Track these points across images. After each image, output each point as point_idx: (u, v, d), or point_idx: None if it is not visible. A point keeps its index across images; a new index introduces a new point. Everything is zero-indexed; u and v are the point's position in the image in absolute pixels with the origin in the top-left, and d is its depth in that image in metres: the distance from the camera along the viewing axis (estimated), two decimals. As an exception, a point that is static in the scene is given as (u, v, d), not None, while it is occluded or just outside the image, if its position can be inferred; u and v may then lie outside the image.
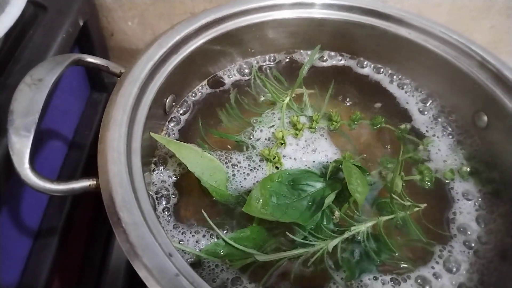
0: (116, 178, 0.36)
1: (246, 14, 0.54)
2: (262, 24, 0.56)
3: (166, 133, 0.52)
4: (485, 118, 0.53)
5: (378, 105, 0.58)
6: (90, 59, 0.47)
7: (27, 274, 0.52)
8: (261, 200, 0.45)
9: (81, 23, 0.65)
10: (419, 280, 0.43)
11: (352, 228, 0.44)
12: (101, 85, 0.74)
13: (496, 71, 0.51)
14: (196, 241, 0.43)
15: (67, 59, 0.44)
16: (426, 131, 0.56)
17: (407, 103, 0.59)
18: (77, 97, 0.72)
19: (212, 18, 0.52)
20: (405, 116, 0.58)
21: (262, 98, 0.58)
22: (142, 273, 0.31)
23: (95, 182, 0.37)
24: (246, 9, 0.53)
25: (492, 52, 0.52)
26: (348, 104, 0.59)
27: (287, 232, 0.44)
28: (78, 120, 0.71)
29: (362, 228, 0.45)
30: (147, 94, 0.45)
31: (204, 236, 0.44)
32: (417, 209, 0.48)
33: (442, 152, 0.54)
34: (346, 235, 0.45)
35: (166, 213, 0.45)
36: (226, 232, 0.45)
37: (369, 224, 0.46)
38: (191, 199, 0.47)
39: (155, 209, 0.44)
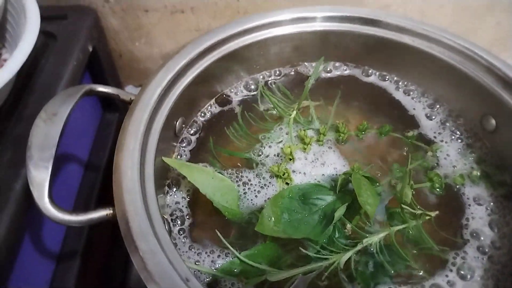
0: (132, 206, 0.38)
1: (248, 33, 0.55)
2: (265, 40, 0.57)
3: (178, 154, 0.54)
4: (493, 121, 0.53)
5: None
6: (101, 88, 0.49)
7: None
8: (273, 218, 0.46)
9: (90, 49, 0.67)
10: (433, 289, 0.43)
11: (364, 240, 0.45)
12: (113, 106, 0.76)
13: (503, 74, 0.51)
14: (212, 261, 0.45)
15: (79, 91, 0.46)
16: (434, 136, 0.56)
17: (414, 109, 0.59)
18: (91, 119, 0.74)
19: (216, 40, 0.53)
20: (413, 122, 0.58)
21: (269, 113, 0.59)
22: (161, 301, 0.33)
23: (111, 211, 0.39)
24: (248, 28, 0.55)
25: (497, 56, 0.52)
26: (355, 114, 0.60)
27: (300, 248, 0.45)
28: (92, 142, 0.73)
29: (374, 239, 0.46)
30: (158, 119, 0.47)
31: (219, 256, 0.45)
32: (428, 217, 0.48)
33: (451, 157, 0.54)
34: (358, 247, 0.45)
35: (181, 234, 0.47)
36: (240, 251, 0.46)
37: (381, 235, 0.46)
38: (205, 219, 0.48)
39: (170, 232, 0.46)
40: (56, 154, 0.57)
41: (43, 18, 0.67)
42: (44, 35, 0.64)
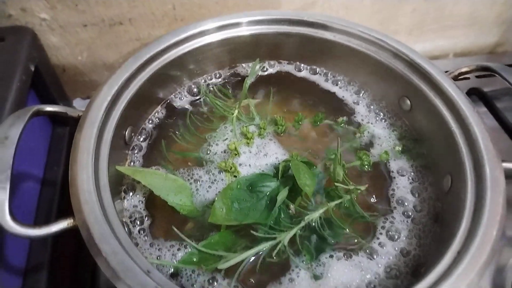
0: (91, 215, 0.41)
1: (183, 42, 0.60)
2: (201, 48, 0.61)
3: (130, 161, 0.57)
4: (408, 102, 0.60)
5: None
6: (49, 108, 0.51)
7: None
8: (224, 209, 0.51)
9: (32, 68, 0.68)
10: (367, 251, 0.50)
11: (306, 217, 0.51)
12: (62, 120, 0.77)
13: (410, 60, 0.58)
14: (173, 254, 0.49)
15: (27, 113, 0.48)
16: (362, 119, 0.63)
17: (343, 97, 0.66)
18: (41, 135, 0.75)
19: (154, 52, 0.57)
20: (343, 108, 0.65)
21: (214, 114, 0.64)
22: (127, 293, 0.37)
23: (72, 221, 0.42)
24: (182, 38, 0.59)
25: (405, 44, 0.60)
26: (292, 107, 0.66)
27: (251, 231, 0.50)
28: (46, 157, 0.74)
29: (315, 215, 0.52)
30: (107, 132, 0.50)
31: (178, 249, 0.50)
32: (360, 190, 0.55)
33: (377, 136, 0.61)
34: (302, 224, 0.51)
35: (142, 234, 0.51)
36: (198, 242, 0.50)
37: (321, 211, 0.53)
38: (163, 217, 0.53)
39: (130, 233, 0.50)
40: (12, 174, 0.59)
41: (-20, 42, 0.68)
42: (-16, 59, 0.64)
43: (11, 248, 0.56)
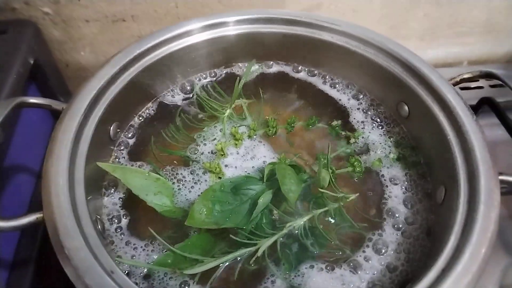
0: (59, 209, 0.40)
1: (176, 39, 0.58)
2: (193, 45, 0.60)
3: (115, 158, 0.56)
4: (406, 107, 0.57)
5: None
6: (33, 100, 0.51)
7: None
8: (205, 211, 0.49)
9: (31, 61, 0.69)
10: (351, 264, 0.47)
11: (288, 224, 0.49)
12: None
13: (410, 64, 0.55)
14: (147, 255, 0.48)
15: (10, 104, 0.48)
16: (358, 125, 0.61)
17: (340, 100, 0.63)
18: (40, 130, 0.76)
19: (145, 47, 0.56)
20: (339, 113, 0.62)
21: (206, 113, 0.62)
22: (84, 292, 0.36)
23: (41, 215, 0.41)
24: (173, 35, 0.58)
25: (405, 47, 0.57)
26: (287, 108, 0.64)
27: (230, 235, 0.48)
28: (43, 152, 0.74)
29: (298, 223, 0.50)
30: (88, 126, 0.50)
31: (153, 250, 0.48)
32: (350, 199, 0.52)
33: (372, 143, 0.58)
34: (284, 231, 0.49)
35: (118, 232, 0.50)
36: (176, 243, 0.49)
37: (305, 218, 0.50)
38: (141, 217, 0.51)
39: (104, 231, 0.48)
40: (5, 164, 0.59)
41: (-17, 34, 0.69)
42: (-17, 50, 0.65)
43: (-1, 241, 0.56)
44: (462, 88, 0.86)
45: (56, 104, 0.51)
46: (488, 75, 0.53)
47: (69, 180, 0.44)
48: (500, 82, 0.55)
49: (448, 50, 0.94)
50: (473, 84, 0.87)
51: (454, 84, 0.54)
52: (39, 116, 0.75)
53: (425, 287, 0.38)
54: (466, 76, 0.54)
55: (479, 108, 0.73)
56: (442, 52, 0.94)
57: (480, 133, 0.47)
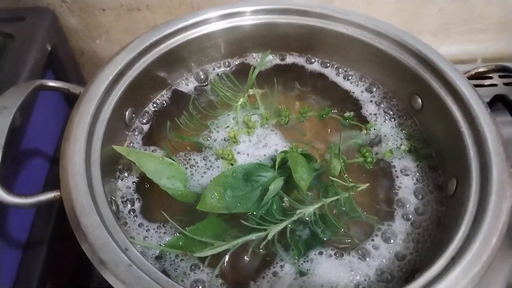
0: (76, 188, 0.41)
1: (191, 28, 0.59)
2: (208, 35, 0.61)
3: (130, 142, 0.57)
4: (419, 100, 0.57)
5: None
6: (52, 83, 0.52)
7: (19, 283, 0.57)
8: (216, 196, 0.50)
9: (49, 48, 0.70)
10: (360, 251, 0.48)
11: (298, 211, 0.49)
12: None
13: (424, 56, 0.55)
14: (159, 237, 0.49)
15: (30, 86, 0.49)
16: (371, 117, 0.61)
17: (353, 92, 0.64)
18: (55, 116, 0.77)
19: (161, 35, 0.57)
20: (352, 105, 0.63)
21: (220, 101, 0.63)
22: (99, 267, 0.37)
23: (58, 194, 0.42)
24: (189, 24, 0.58)
25: (420, 40, 0.57)
26: (300, 99, 0.64)
27: (241, 220, 0.49)
28: (58, 137, 0.76)
29: (308, 210, 0.50)
30: (105, 110, 0.51)
31: (165, 232, 0.49)
32: (360, 189, 0.53)
33: (385, 135, 0.59)
34: (294, 217, 0.50)
35: (132, 214, 0.51)
36: (188, 227, 0.50)
37: (316, 206, 0.51)
38: (155, 200, 0.52)
39: (118, 212, 0.50)
40: (20, 148, 0.61)
41: (2, 20, 0.70)
42: (3, 36, 0.66)
43: (12, 222, 0.57)
44: (475, 85, 0.85)
45: (73, 88, 0.52)
46: (503, 69, 0.53)
47: (85, 160, 0.44)
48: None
49: (462, 47, 0.93)
50: (487, 82, 0.87)
51: (469, 78, 0.53)
52: (54, 103, 0.76)
53: (434, 274, 0.38)
54: (481, 69, 0.54)
55: (492, 105, 0.73)
56: (455, 49, 0.93)
57: (493, 125, 0.47)
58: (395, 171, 0.55)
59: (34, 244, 0.61)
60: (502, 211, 0.41)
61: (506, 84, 0.86)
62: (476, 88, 0.84)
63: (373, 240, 0.49)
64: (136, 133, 0.58)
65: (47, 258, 0.62)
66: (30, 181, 0.63)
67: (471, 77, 0.54)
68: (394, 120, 0.60)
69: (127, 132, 0.58)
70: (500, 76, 0.87)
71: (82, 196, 0.41)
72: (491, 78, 0.87)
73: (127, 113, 0.56)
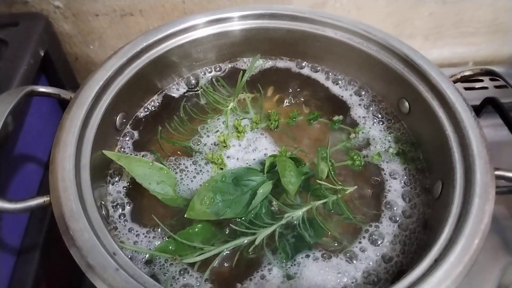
0: (65, 193, 0.42)
1: (181, 33, 0.60)
2: (198, 40, 0.62)
3: (121, 147, 0.58)
4: (407, 104, 0.58)
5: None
6: (42, 89, 0.53)
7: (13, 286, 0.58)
8: (206, 201, 0.50)
9: (42, 53, 0.70)
10: (347, 254, 0.48)
11: (286, 215, 0.50)
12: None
13: (411, 60, 0.56)
14: (149, 241, 0.49)
15: (20, 92, 0.50)
16: (360, 120, 0.61)
17: (342, 96, 0.64)
18: (49, 121, 0.78)
19: (152, 40, 0.58)
20: (341, 108, 0.63)
21: (211, 106, 0.64)
22: (87, 271, 0.37)
23: (48, 198, 0.43)
24: (179, 30, 0.59)
25: (407, 44, 0.58)
26: (290, 103, 0.65)
27: (231, 224, 0.50)
28: (51, 143, 0.76)
29: (297, 214, 0.51)
30: (95, 115, 0.51)
31: (154, 237, 0.50)
32: (348, 192, 0.53)
33: (373, 138, 0.59)
34: (283, 221, 0.50)
35: (122, 218, 0.51)
36: (178, 231, 0.50)
37: (304, 209, 0.51)
38: (145, 205, 0.53)
39: (108, 216, 0.50)
40: (14, 153, 0.61)
41: (-5, 26, 0.71)
42: (-4, 41, 0.67)
43: (6, 227, 0.57)
44: (466, 88, 0.87)
45: (64, 94, 0.53)
46: (489, 73, 0.53)
47: (75, 165, 0.45)
48: (505, 83, 0.55)
49: (453, 50, 0.94)
50: (477, 85, 0.87)
51: (455, 81, 0.54)
52: (48, 108, 0.77)
53: (418, 276, 0.39)
54: (467, 73, 0.55)
55: (482, 108, 0.74)
56: (447, 52, 0.94)
57: (478, 128, 0.47)
58: (384, 174, 0.56)
59: (27, 249, 0.62)
60: (484, 213, 0.41)
61: (496, 87, 0.87)
62: (467, 91, 0.86)
63: (360, 242, 0.49)
64: (127, 138, 0.59)
65: (40, 263, 0.62)
66: (24, 186, 0.63)
67: (458, 81, 0.55)
68: (383, 123, 0.61)
69: (117, 137, 0.58)
70: (491, 79, 0.88)
71: (71, 201, 0.42)
72: (482, 81, 0.88)
73: (118, 118, 0.57)
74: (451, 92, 0.51)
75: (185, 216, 0.49)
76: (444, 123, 0.50)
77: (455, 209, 0.43)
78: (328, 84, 0.66)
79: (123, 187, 0.54)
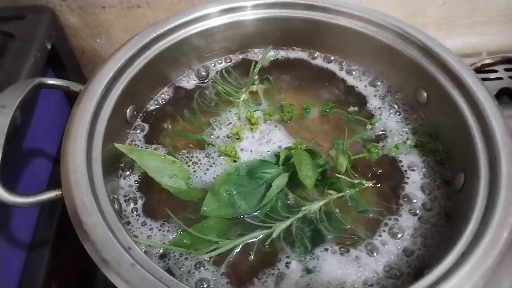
0: (77, 186, 0.41)
1: (190, 24, 0.58)
2: (208, 30, 0.60)
3: (131, 140, 0.57)
4: (425, 94, 0.57)
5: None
6: (51, 81, 0.52)
7: (23, 283, 0.57)
8: (221, 193, 0.49)
9: (49, 46, 0.69)
10: (368, 247, 0.47)
11: (303, 208, 0.48)
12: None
13: (429, 49, 0.54)
14: (163, 235, 0.48)
15: (29, 84, 0.49)
16: (375, 111, 0.60)
17: (357, 87, 0.63)
18: (57, 115, 0.77)
19: (161, 31, 0.56)
20: (356, 99, 0.62)
21: (222, 98, 0.62)
22: (102, 266, 0.36)
23: (60, 192, 0.42)
24: (188, 20, 0.58)
25: (424, 32, 0.56)
26: (303, 94, 0.63)
27: (246, 217, 0.48)
28: (60, 136, 0.75)
29: (314, 207, 0.49)
30: (105, 108, 0.50)
31: (168, 230, 0.48)
32: (366, 185, 0.52)
33: (390, 130, 0.58)
34: (300, 214, 0.49)
35: (135, 213, 0.50)
36: (192, 225, 0.49)
37: (321, 203, 0.50)
38: (158, 198, 0.52)
39: (120, 210, 0.49)
40: (22, 147, 0.60)
41: (1, 19, 0.70)
42: (2, 35, 0.66)
43: (16, 222, 0.56)
44: (481, 79, 0.85)
45: (73, 86, 0.52)
46: (509, 61, 0.52)
47: (87, 158, 0.44)
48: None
49: (467, 40, 0.92)
50: (492, 75, 0.86)
51: (475, 70, 0.52)
52: (55, 102, 0.76)
53: (444, 270, 0.38)
54: (487, 61, 0.53)
55: (498, 98, 0.72)
56: (460, 42, 0.92)
57: (501, 118, 0.46)
58: (402, 166, 0.54)
59: (38, 244, 0.61)
60: (512, 205, 0.40)
61: (511, 77, 0.85)
62: (482, 82, 0.84)
63: (380, 235, 0.48)
64: (138, 131, 0.58)
65: (51, 258, 0.61)
66: (33, 180, 0.62)
67: (476, 70, 0.53)
68: (399, 114, 0.59)
69: (128, 130, 0.57)
70: (506, 70, 0.86)
71: (83, 194, 0.40)
72: (496, 71, 0.86)
73: (128, 110, 0.55)
74: (472, 81, 0.49)
75: (201, 213, 0.48)
76: (465, 113, 0.49)
77: (480, 202, 0.42)
78: (342, 74, 0.64)
79: (135, 181, 0.53)
